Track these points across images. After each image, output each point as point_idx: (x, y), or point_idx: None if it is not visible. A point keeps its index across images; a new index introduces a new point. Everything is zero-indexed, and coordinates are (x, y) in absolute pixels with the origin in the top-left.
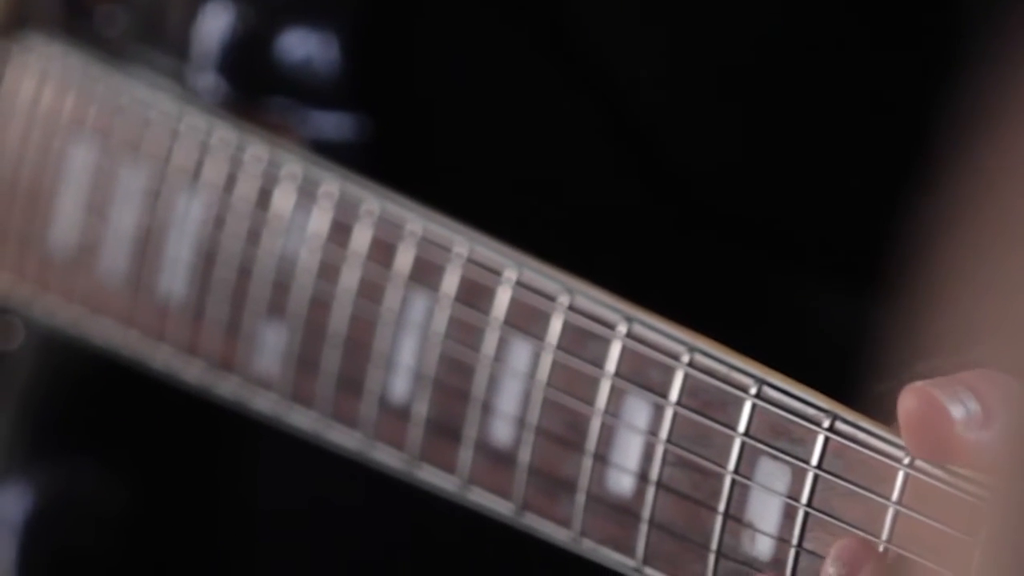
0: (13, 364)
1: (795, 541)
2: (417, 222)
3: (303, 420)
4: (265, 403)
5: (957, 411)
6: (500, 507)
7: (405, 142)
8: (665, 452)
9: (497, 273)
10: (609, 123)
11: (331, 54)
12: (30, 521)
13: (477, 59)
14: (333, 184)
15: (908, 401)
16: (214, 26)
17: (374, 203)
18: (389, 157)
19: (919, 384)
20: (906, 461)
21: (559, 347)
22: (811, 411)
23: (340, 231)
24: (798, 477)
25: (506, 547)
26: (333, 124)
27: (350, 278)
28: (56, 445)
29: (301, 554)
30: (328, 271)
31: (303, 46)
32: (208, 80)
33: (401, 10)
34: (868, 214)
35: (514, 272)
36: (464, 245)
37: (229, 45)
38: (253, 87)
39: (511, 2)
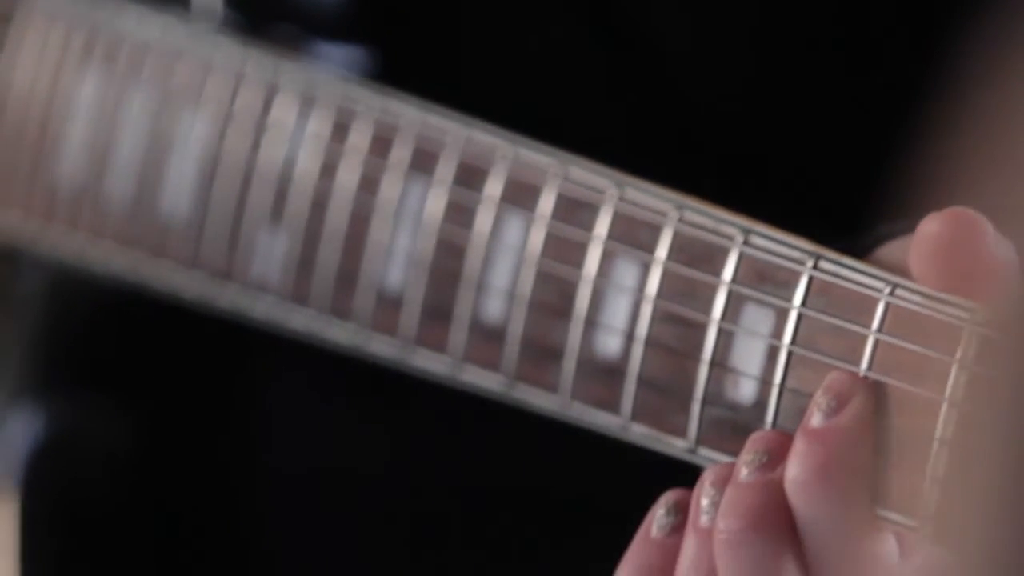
0: (21, 306)
1: (778, 380)
2: (414, 115)
3: (301, 320)
4: (265, 307)
5: (988, 226)
6: (491, 383)
7: (410, 75)
8: (653, 309)
9: (490, 154)
10: (618, 57)
11: None
12: (37, 452)
13: None
14: (333, 88)
15: (934, 226)
16: None
17: (373, 101)
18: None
19: (946, 210)
20: (887, 291)
21: (551, 218)
22: (795, 254)
23: (339, 130)
24: (781, 319)
25: (523, 515)
26: (339, 56)
27: (348, 175)
28: (65, 382)
29: (309, 515)
30: (327, 170)
31: None
32: (214, 5)
33: None
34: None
35: (508, 151)
36: (460, 132)
37: None
38: (259, 14)
39: None
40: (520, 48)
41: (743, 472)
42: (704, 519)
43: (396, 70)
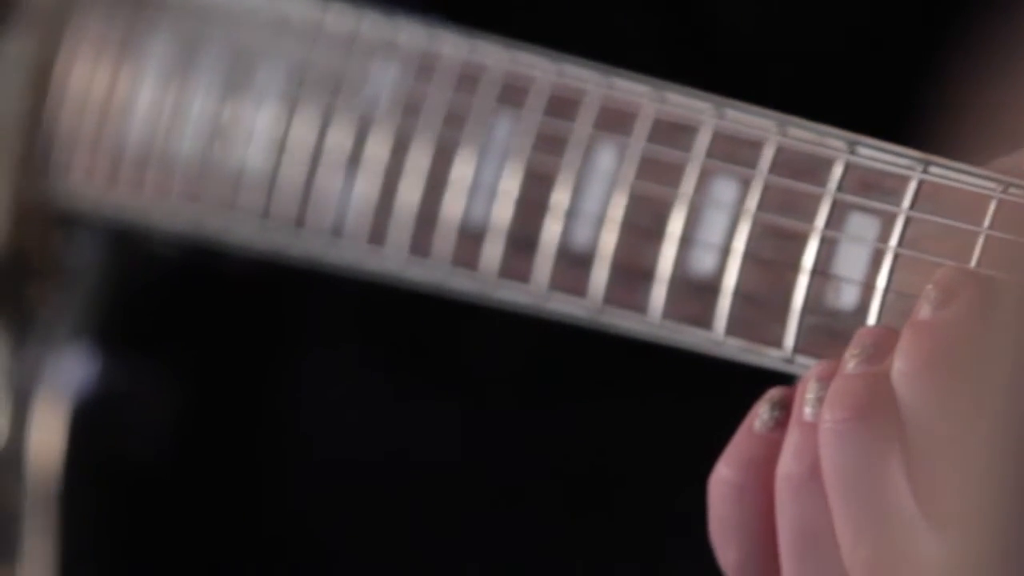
0: (79, 275)
1: (882, 284)
2: (501, 53)
3: (378, 262)
4: (340, 252)
5: None
6: (578, 309)
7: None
8: (753, 223)
9: (582, 86)
10: None
11: None
12: (85, 403)
13: None
14: (415, 33)
15: None
16: None
17: (458, 42)
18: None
19: None
20: (1000, 190)
21: (647, 141)
22: (903, 162)
23: (423, 72)
24: (888, 224)
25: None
26: None
27: (432, 113)
28: (117, 344)
29: (344, 503)
30: (409, 110)
31: None
32: None
33: None
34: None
35: (601, 82)
36: (551, 67)
37: None
38: None
39: None
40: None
41: (850, 364)
42: (808, 412)
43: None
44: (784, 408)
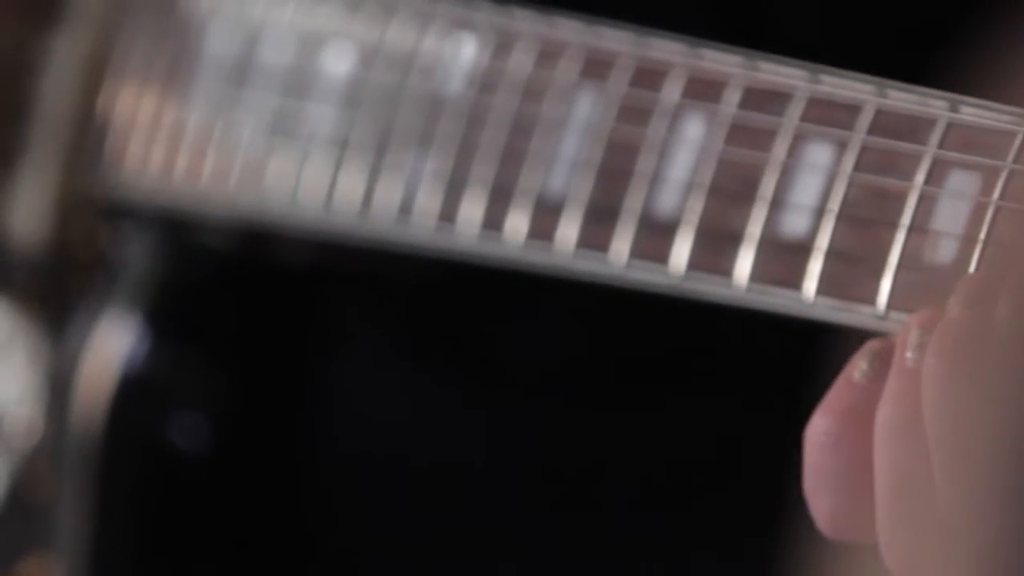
0: (125, 267)
1: (983, 236)
2: (583, 30)
3: (451, 239)
4: (410, 230)
5: None
6: (662, 276)
7: None
8: (848, 183)
9: (669, 59)
10: None
11: None
12: (126, 386)
13: None
14: (490, 13)
15: None
16: None
17: (536, 20)
18: None
19: None
20: None
21: (737, 108)
22: (1006, 118)
23: (501, 49)
24: (990, 180)
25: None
26: None
27: (508, 89)
28: (161, 335)
29: (383, 505)
30: (485, 87)
31: None
32: None
33: None
34: None
35: (689, 54)
36: (632, 42)
37: None
38: None
39: None
40: None
41: (955, 310)
42: (911, 357)
43: None
44: (882, 359)
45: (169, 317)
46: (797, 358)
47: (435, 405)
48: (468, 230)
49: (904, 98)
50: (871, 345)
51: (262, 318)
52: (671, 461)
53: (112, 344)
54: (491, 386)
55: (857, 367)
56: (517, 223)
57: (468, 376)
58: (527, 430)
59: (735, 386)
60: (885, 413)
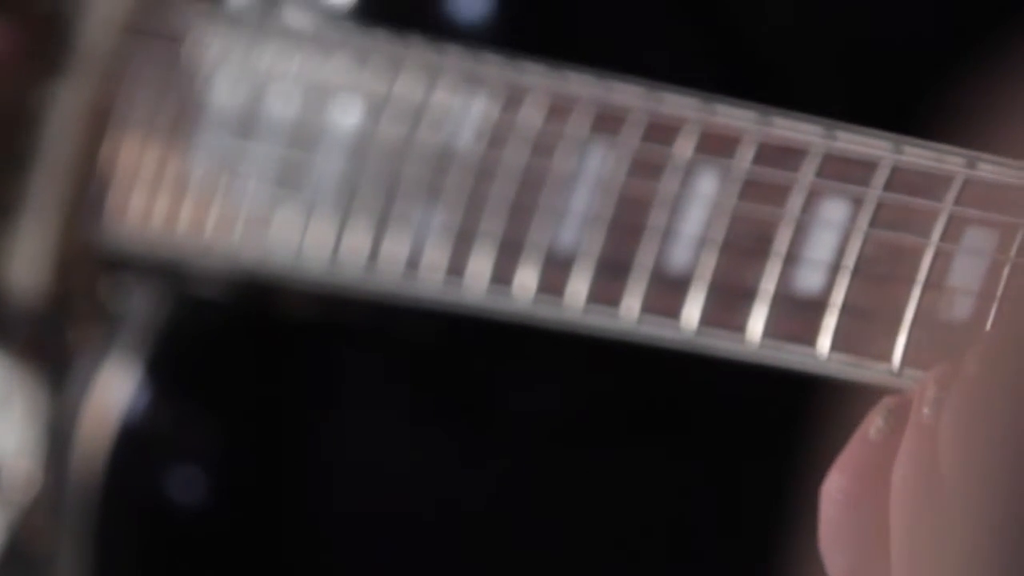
0: (124, 319)
1: (1000, 292)
2: (593, 84)
3: (459, 293)
4: (418, 284)
5: None
6: (674, 332)
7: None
8: (864, 239)
9: (682, 111)
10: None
11: None
12: (126, 434)
13: None
14: (499, 67)
15: None
16: None
17: (547, 75)
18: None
19: None
20: None
21: (752, 164)
22: None
23: (511, 103)
24: (1007, 237)
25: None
26: None
27: (518, 143)
28: (161, 388)
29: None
30: (495, 142)
31: None
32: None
33: None
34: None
35: (703, 109)
36: (647, 95)
37: None
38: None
39: None
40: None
41: (972, 366)
42: (927, 414)
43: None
44: (898, 416)
45: (169, 370)
46: (797, 410)
47: (435, 459)
48: (476, 285)
49: (921, 154)
50: (887, 401)
51: (262, 371)
52: (674, 512)
53: (112, 396)
54: (492, 439)
55: (873, 424)
56: (526, 278)
57: (468, 430)
58: (528, 483)
59: (739, 437)
60: (902, 470)
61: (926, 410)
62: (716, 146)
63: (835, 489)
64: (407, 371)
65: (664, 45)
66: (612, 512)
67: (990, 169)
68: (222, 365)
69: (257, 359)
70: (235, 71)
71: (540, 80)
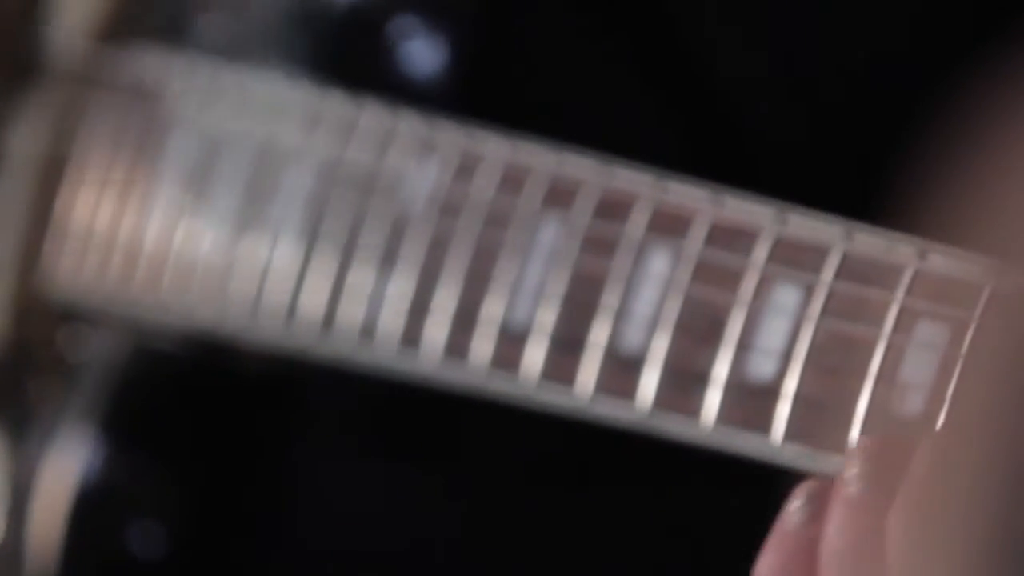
0: (82, 371)
1: (950, 390)
2: (547, 156)
3: (412, 363)
4: (372, 353)
5: None
6: (627, 413)
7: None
8: (816, 329)
9: (634, 189)
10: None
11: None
12: (86, 494)
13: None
14: (454, 134)
15: None
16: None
17: (500, 145)
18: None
19: None
20: None
21: (704, 246)
22: (976, 270)
23: (463, 172)
24: (958, 332)
25: None
26: None
27: (471, 214)
28: (118, 437)
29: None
30: (448, 210)
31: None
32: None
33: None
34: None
35: (656, 187)
36: (600, 169)
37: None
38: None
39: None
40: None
41: (920, 469)
42: (854, 490)
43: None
44: (817, 502)
45: (127, 425)
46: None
47: (403, 499)
48: (431, 355)
49: (871, 243)
50: (804, 487)
51: (223, 420)
52: (649, 550)
53: (70, 454)
54: (464, 478)
55: (791, 512)
56: (481, 350)
57: (438, 469)
58: (496, 522)
59: (716, 475)
60: (831, 544)
61: (852, 489)
62: (669, 225)
63: (765, 571)
64: (371, 413)
65: (622, 100)
66: (583, 552)
67: (940, 262)
68: (181, 417)
69: (217, 409)
70: (190, 126)
71: (493, 148)
